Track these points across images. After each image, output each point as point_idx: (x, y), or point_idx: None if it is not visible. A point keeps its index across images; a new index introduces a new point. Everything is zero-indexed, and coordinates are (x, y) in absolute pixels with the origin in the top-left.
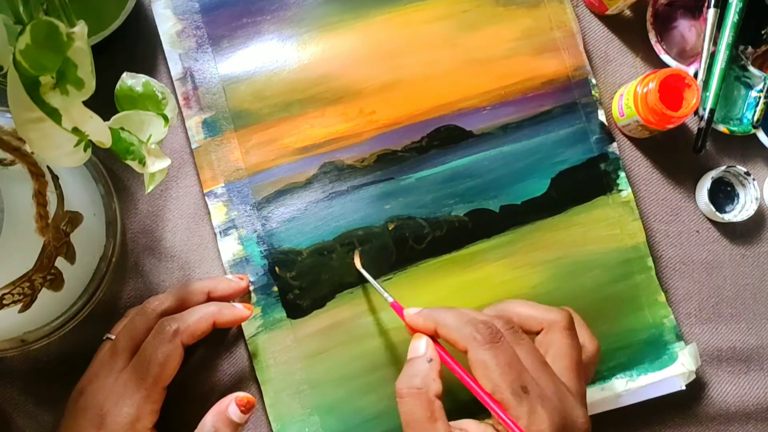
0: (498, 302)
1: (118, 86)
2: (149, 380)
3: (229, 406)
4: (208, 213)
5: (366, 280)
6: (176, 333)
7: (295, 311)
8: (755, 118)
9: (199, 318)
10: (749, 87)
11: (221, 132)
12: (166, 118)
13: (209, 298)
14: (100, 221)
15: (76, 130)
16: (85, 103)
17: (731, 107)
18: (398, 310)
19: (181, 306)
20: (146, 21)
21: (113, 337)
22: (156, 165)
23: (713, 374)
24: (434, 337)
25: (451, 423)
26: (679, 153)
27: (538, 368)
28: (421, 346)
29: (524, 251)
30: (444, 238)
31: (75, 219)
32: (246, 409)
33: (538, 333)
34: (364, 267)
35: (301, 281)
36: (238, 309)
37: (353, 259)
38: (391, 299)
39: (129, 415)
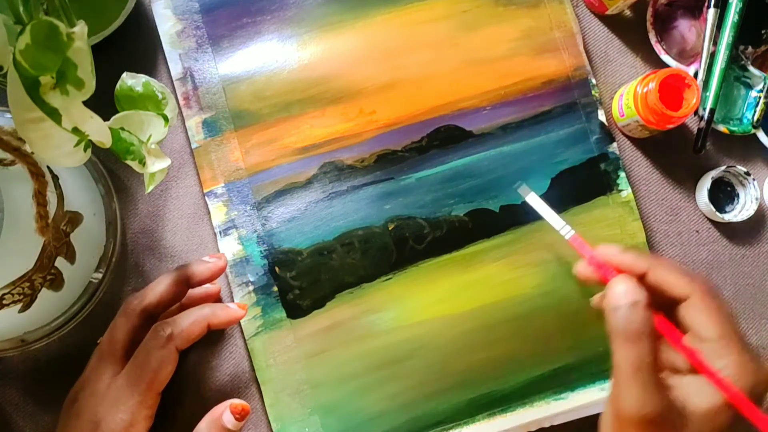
0: (641, 253)
1: (118, 86)
2: (143, 386)
3: (223, 413)
4: (208, 213)
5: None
6: (170, 338)
7: (295, 311)
8: (755, 118)
9: (192, 321)
10: (749, 87)
11: (221, 132)
12: (166, 118)
13: (191, 285)
14: (100, 221)
15: (76, 130)
16: (85, 103)
17: (731, 107)
18: (580, 245)
19: (163, 299)
20: (146, 21)
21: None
22: (156, 165)
23: None
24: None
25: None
26: (679, 153)
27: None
28: (637, 290)
29: (524, 251)
30: (444, 238)
31: (75, 219)
32: (240, 416)
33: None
34: (362, 267)
35: (301, 281)
36: (232, 309)
37: (520, 189)
38: (571, 233)
39: (123, 422)
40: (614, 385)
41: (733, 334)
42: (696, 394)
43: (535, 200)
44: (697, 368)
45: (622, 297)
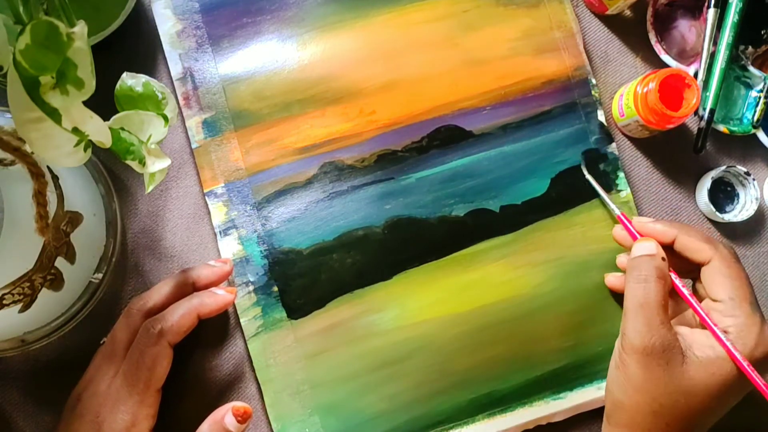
0: (671, 222)
1: (118, 86)
2: (140, 385)
3: (225, 415)
4: (208, 213)
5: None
6: (161, 334)
7: (295, 311)
8: (755, 118)
9: (181, 314)
10: (749, 87)
11: (221, 132)
12: (166, 118)
13: (196, 288)
14: (100, 221)
15: (76, 130)
16: (85, 103)
17: (731, 107)
18: (623, 220)
19: (168, 301)
20: (146, 21)
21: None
22: (156, 165)
23: None
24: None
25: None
26: (679, 153)
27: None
28: (654, 247)
29: (524, 251)
30: (444, 238)
31: (75, 219)
32: (243, 419)
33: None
34: (362, 267)
35: (301, 281)
36: (220, 295)
37: (585, 168)
38: (618, 211)
39: (125, 422)
40: (622, 318)
41: (744, 298)
42: (700, 344)
43: (592, 180)
44: (702, 322)
45: (640, 250)
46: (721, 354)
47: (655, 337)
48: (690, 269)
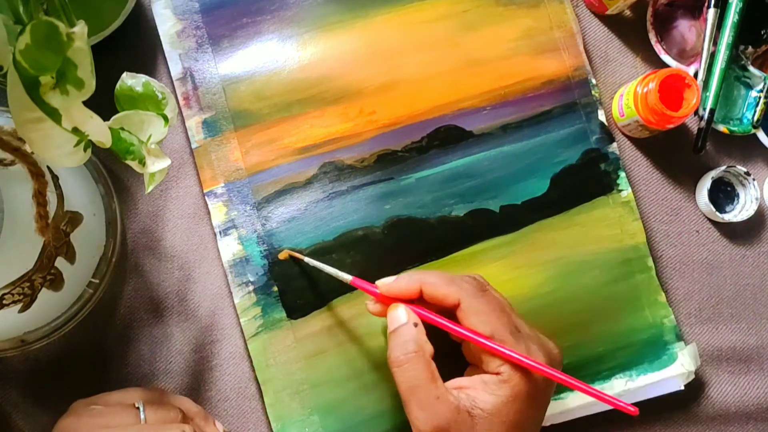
0: (414, 273)
1: (118, 86)
2: None
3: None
4: (208, 213)
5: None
6: None
7: (295, 311)
8: (755, 118)
9: None
10: (749, 87)
11: (221, 132)
12: (166, 118)
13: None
14: (100, 221)
15: (76, 130)
16: (85, 103)
17: (731, 107)
18: (362, 285)
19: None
20: (146, 21)
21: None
22: (156, 165)
23: (713, 374)
24: (410, 301)
25: (445, 383)
26: (679, 153)
27: (514, 312)
28: (401, 315)
29: (524, 251)
30: (444, 238)
31: (75, 219)
32: None
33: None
34: (362, 267)
35: (301, 281)
36: None
37: (281, 257)
38: (350, 278)
39: None
40: (403, 405)
41: (504, 329)
42: (482, 395)
43: (311, 260)
44: (479, 346)
45: (390, 324)
46: (504, 397)
47: (437, 417)
48: (448, 313)
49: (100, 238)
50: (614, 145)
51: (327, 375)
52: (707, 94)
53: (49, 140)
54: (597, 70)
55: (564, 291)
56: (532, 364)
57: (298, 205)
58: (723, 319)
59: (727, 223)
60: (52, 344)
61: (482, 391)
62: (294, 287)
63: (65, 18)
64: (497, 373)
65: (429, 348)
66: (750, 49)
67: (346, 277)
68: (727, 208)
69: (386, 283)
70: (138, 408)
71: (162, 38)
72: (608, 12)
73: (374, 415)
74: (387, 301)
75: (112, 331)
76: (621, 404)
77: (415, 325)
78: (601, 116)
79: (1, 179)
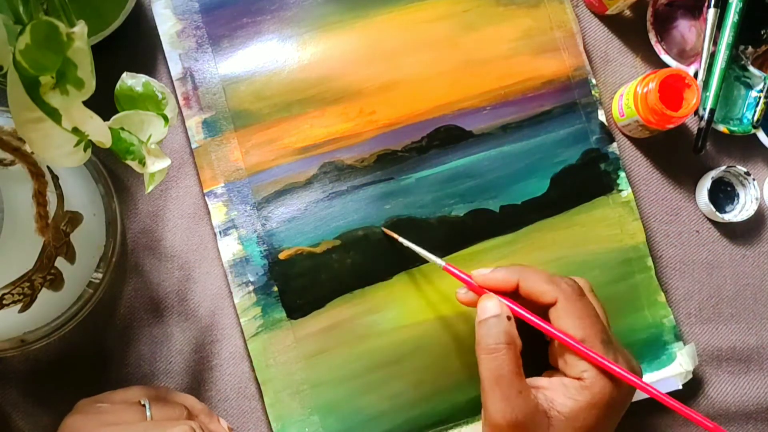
0: (512, 266)
1: (118, 86)
2: None
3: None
4: (208, 213)
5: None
6: None
7: (295, 311)
8: (755, 118)
9: None
10: (749, 87)
11: (221, 132)
12: (166, 118)
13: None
14: (100, 221)
15: (76, 130)
16: (85, 103)
17: (731, 107)
18: (456, 272)
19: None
20: (146, 21)
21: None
22: (156, 165)
23: (713, 374)
24: (501, 294)
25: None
26: (679, 153)
27: (607, 322)
28: (494, 306)
29: (524, 251)
30: (444, 238)
31: (75, 219)
32: None
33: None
34: (362, 267)
35: (301, 281)
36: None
37: (387, 235)
38: (442, 263)
39: None
40: (482, 392)
41: (596, 336)
42: (560, 397)
43: (405, 241)
44: (571, 348)
45: (484, 312)
46: (582, 402)
47: (515, 411)
48: (540, 311)
49: (100, 238)
50: (614, 145)
51: (327, 375)
52: (707, 94)
53: (49, 140)
54: (597, 70)
55: None
56: (622, 372)
57: (298, 205)
58: (723, 319)
59: (727, 223)
60: (52, 344)
61: (561, 394)
62: (294, 287)
63: (65, 18)
64: (579, 378)
65: (519, 343)
66: (750, 49)
67: (439, 262)
68: (727, 208)
69: (483, 274)
70: (144, 405)
71: (162, 38)
72: (608, 12)
73: (374, 415)
74: (479, 291)
75: (112, 331)
76: (704, 422)
77: (509, 318)
78: (601, 116)
79: (1, 179)
